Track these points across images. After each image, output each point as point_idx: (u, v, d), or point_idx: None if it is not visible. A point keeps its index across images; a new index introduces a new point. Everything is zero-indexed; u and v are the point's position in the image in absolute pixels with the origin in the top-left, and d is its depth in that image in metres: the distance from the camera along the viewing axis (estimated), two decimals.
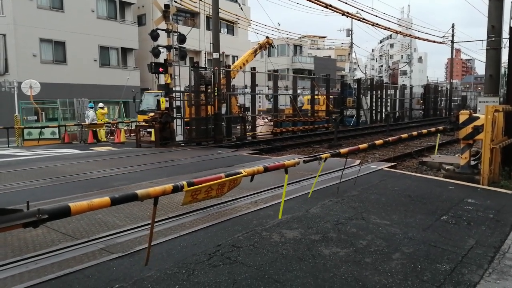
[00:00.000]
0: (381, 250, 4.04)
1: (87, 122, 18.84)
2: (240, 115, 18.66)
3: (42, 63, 26.43)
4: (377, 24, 26.36)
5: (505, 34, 10.71)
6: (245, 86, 22.27)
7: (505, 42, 10.64)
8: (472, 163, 8.00)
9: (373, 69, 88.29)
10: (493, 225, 4.92)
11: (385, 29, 28.85)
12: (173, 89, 15.23)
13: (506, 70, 8.92)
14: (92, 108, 19.28)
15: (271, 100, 23.57)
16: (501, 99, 10.02)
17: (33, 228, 2.55)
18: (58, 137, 19.21)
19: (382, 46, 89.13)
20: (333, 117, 21.68)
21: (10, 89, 21.40)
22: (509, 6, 9.83)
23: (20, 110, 20.51)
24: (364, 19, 25.55)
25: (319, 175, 6.36)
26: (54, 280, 3.42)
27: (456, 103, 45.49)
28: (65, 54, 27.75)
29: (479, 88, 70.57)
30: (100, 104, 19.89)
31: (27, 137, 18.81)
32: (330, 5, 20.31)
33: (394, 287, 3.28)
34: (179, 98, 15.41)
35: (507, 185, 7.26)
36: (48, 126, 19.58)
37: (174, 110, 15.24)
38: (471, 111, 8.30)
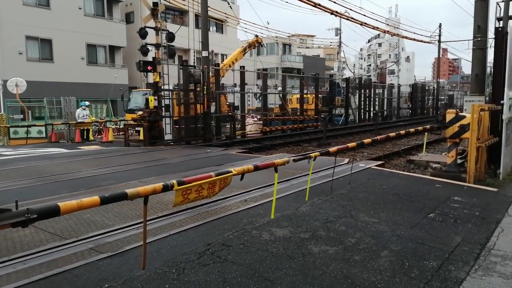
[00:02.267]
0: (370, 248, 4.09)
1: (78, 120, 18.46)
2: (230, 114, 18.63)
3: (28, 61, 26.02)
4: (365, 23, 26.56)
5: (491, 34, 10.89)
6: (235, 85, 22.29)
7: (491, 42, 10.80)
8: (459, 161, 8.11)
9: (361, 68, 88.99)
10: (479, 223, 5.00)
11: (373, 29, 29.10)
12: (162, 87, 15.16)
13: (492, 69, 9.06)
14: (87, 106, 18.83)
15: (260, 98, 23.59)
16: (487, 98, 10.19)
17: (22, 227, 2.53)
18: (45, 136, 18.94)
19: (370, 46, 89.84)
20: (322, 116, 21.78)
21: None
22: (495, 6, 9.99)
23: (6, 109, 20.19)
24: (352, 18, 25.70)
25: (309, 174, 6.39)
26: (42, 281, 3.39)
27: (443, 102, 46.06)
28: (51, 52, 27.38)
29: (466, 88, 71.52)
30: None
31: (13, 136, 18.51)
32: (319, 4, 20.39)
33: (382, 284, 3.32)
34: (168, 97, 15.33)
35: (493, 183, 7.38)
36: (34, 125, 19.28)
37: (163, 108, 15.17)
38: (458, 110, 8.41)
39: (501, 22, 9.64)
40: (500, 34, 8.36)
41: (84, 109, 18.52)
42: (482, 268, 3.67)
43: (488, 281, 3.42)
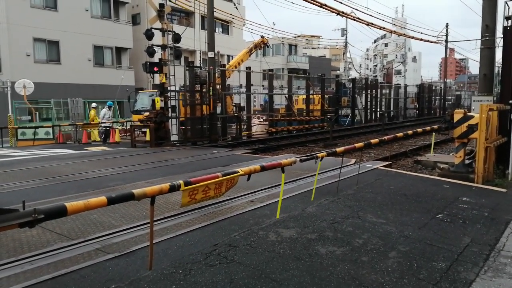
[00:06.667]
0: (378, 249, 4.05)
1: (102, 120, 18.28)
2: (235, 114, 18.63)
3: (35, 62, 26.24)
4: (371, 23, 26.43)
5: (499, 33, 10.77)
6: (240, 86, 22.26)
7: (499, 41, 10.71)
8: (467, 161, 8.04)
9: (367, 68, 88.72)
10: (488, 223, 4.95)
11: (379, 29, 28.94)
12: (168, 88, 15.19)
13: (500, 69, 8.98)
14: (110, 106, 18.68)
15: (266, 103, 23.55)
16: (495, 98, 10.09)
17: (29, 228, 2.53)
18: (52, 137, 19.06)
19: (376, 46, 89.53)
20: (328, 116, 21.71)
21: (4, 89, 21.24)
22: (503, 5, 9.90)
23: (14, 110, 20.34)
24: (359, 18, 25.59)
25: (316, 174, 6.36)
26: (49, 281, 3.40)
27: (450, 102, 45.74)
28: (59, 54, 27.57)
29: (473, 88, 71.01)
30: (93, 104, 19.73)
31: (21, 137, 18.65)
32: (325, 5, 20.33)
33: (390, 285, 3.28)
34: (174, 98, 15.37)
35: (501, 184, 7.30)
36: (42, 126, 19.42)
37: (169, 109, 15.20)
38: (466, 110, 8.34)
39: (509, 21, 9.53)
40: (509, 33, 8.29)
41: (109, 109, 18.44)
42: (492, 269, 3.62)
43: (498, 282, 3.38)
